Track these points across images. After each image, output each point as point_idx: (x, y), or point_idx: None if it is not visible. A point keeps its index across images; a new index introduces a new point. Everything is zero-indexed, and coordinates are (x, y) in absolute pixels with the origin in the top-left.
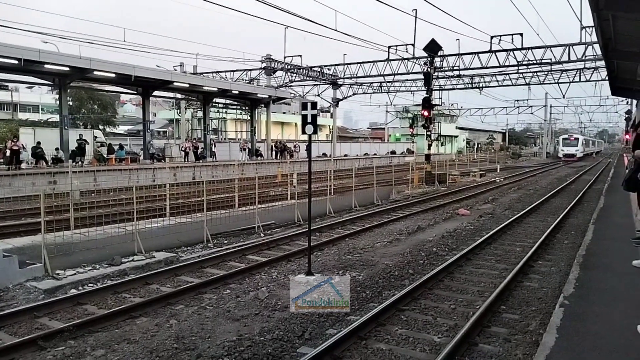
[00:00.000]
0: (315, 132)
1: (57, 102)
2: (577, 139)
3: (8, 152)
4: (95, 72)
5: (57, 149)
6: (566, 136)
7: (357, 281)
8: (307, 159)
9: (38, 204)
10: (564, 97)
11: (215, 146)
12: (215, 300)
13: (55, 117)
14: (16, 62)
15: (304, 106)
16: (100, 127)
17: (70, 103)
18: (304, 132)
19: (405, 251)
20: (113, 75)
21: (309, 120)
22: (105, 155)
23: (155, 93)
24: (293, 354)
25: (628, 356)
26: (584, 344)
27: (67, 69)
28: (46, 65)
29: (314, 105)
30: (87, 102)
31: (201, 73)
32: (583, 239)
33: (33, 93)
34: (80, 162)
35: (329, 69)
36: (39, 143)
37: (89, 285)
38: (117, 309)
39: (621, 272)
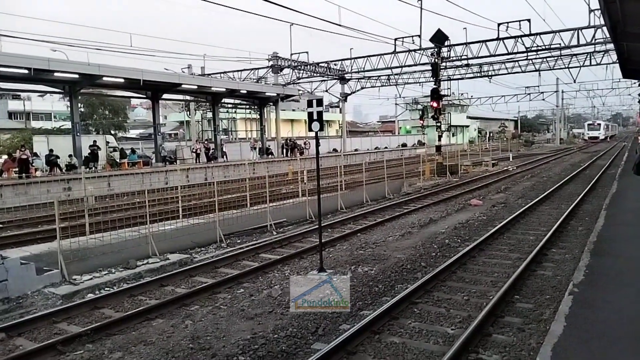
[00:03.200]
0: (321, 129)
1: (69, 109)
2: (599, 124)
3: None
4: (104, 78)
5: (70, 155)
6: (590, 122)
7: (369, 276)
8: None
9: (53, 210)
10: (575, 81)
11: (224, 146)
12: (229, 299)
13: (68, 124)
14: (26, 71)
15: (309, 103)
16: (112, 132)
17: (82, 109)
18: (311, 130)
19: (418, 244)
20: (122, 80)
21: (315, 117)
22: (117, 160)
23: (165, 96)
24: (307, 350)
25: (635, 343)
26: (592, 331)
27: (77, 76)
28: (56, 74)
29: (319, 102)
30: (98, 108)
31: (209, 74)
32: (595, 226)
33: (45, 101)
34: (93, 168)
35: (335, 64)
36: (51, 150)
37: (106, 289)
38: (134, 311)
39: (631, 258)
